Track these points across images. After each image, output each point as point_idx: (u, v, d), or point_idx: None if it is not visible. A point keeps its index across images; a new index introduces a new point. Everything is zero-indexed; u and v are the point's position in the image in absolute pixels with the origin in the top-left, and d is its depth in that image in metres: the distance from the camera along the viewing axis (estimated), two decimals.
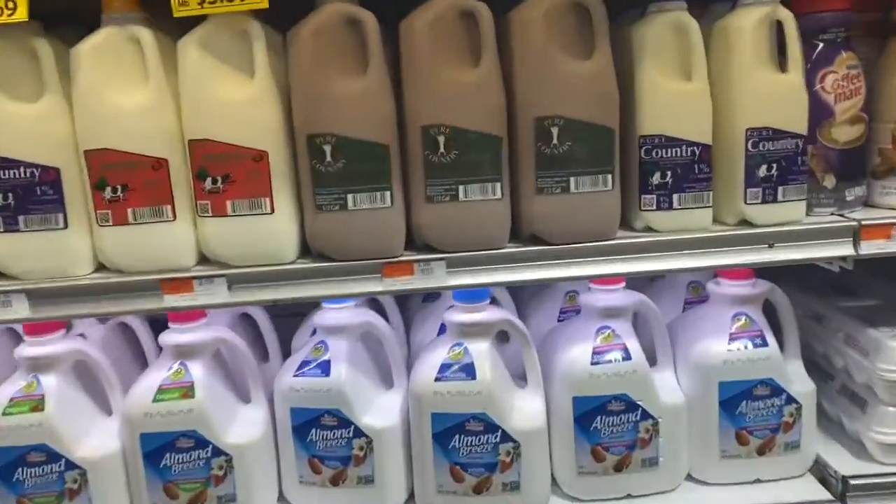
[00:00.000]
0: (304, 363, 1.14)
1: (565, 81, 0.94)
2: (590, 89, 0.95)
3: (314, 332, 1.23)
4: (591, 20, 0.94)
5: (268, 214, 0.97)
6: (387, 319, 1.30)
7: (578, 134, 0.95)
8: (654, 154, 1.00)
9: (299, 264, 1.00)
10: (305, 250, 1.02)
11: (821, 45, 1.05)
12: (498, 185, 0.97)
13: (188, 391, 1.09)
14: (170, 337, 1.12)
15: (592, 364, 1.09)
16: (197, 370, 1.11)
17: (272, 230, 0.98)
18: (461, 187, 0.96)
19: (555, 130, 0.95)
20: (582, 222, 0.98)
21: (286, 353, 1.31)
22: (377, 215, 0.97)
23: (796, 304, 1.20)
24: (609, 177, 0.98)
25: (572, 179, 0.97)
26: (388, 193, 0.96)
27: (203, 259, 1.02)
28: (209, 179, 0.96)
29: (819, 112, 1.04)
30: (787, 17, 0.99)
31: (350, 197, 0.95)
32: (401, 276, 1.00)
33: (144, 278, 0.99)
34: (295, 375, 1.13)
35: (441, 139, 0.95)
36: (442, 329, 1.21)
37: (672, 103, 0.99)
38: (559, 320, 1.33)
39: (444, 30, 0.94)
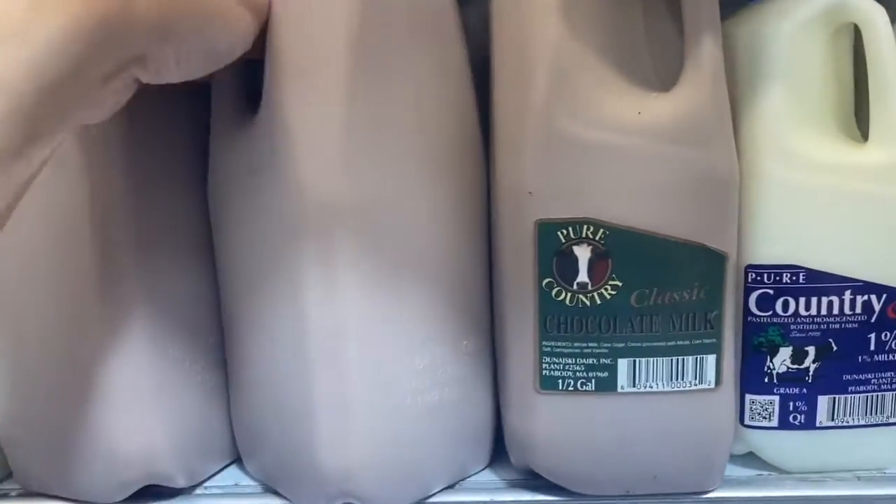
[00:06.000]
0: None
1: (613, 137, 0.40)
2: (672, 159, 0.40)
3: None
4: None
5: None
6: None
7: (640, 261, 0.40)
8: (775, 309, 0.44)
9: None
10: None
11: None
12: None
13: None
14: None
15: None
16: None
17: None
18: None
19: (582, 253, 0.41)
20: (647, 454, 0.43)
21: None
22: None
23: None
24: (710, 360, 0.42)
25: (622, 364, 0.42)
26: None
27: None
28: None
29: None
30: None
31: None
32: None
33: None
34: None
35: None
36: None
37: (823, 201, 0.43)
38: None
39: None
